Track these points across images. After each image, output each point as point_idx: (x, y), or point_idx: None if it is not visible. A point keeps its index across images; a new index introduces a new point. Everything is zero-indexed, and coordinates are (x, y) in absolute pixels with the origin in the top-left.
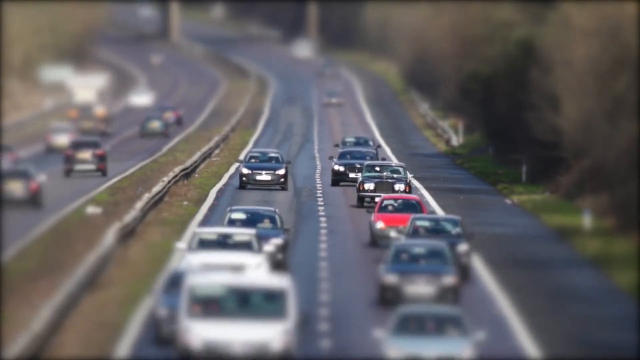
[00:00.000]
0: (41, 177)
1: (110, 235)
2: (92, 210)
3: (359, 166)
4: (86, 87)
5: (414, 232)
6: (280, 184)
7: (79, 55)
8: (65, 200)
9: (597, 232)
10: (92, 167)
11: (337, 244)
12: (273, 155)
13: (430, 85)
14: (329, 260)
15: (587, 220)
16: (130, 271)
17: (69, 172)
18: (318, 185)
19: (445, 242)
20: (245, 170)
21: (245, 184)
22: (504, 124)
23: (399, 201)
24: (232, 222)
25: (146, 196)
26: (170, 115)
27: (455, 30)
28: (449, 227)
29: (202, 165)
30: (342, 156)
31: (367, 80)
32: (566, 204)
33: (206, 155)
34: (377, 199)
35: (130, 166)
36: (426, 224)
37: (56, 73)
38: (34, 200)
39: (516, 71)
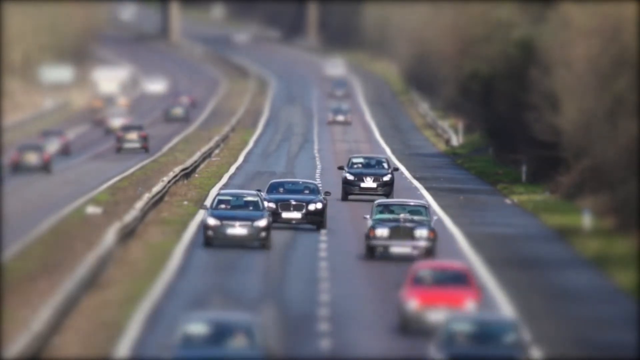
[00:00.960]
0: (52, 149)
1: (110, 235)
2: (92, 210)
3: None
4: (110, 79)
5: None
6: (260, 240)
7: (79, 55)
8: (65, 200)
9: (597, 232)
10: (137, 145)
11: (337, 244)
12: (251, 199)
13: (430, 85)
14: (329, 260)
15: (587, 220)
16: (130, 271)
17: (119, 150)
18: (318, 185)
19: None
20: (211, 221)
21: (211, 239)
22: (504, 124)
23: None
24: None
25: (146, 196)
26: (185, 100)
27: (455, 30)
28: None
29: (202, 165)
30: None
31: (367, 80)
32: (566, 204)
33: (206, 155)
34: (393, 249)
35: (131, 166)
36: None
37: (56, 73)
38: (46, 168)
39: (516, 71)
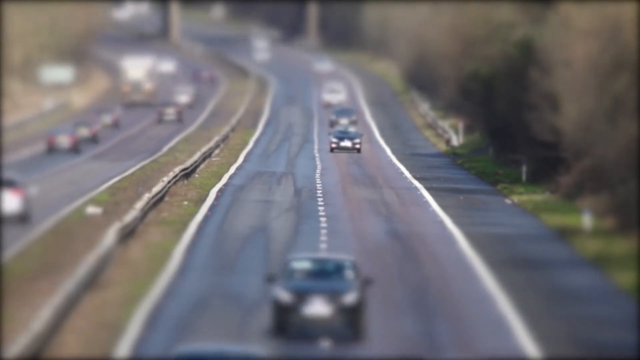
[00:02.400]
0: (97, 127)
1: (110, 235)
2: (92, 210)
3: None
4: (137, 67)
5: None
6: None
7: (79, 55)
8: (65, 200)
9: (597, 232)
10: (174, 118)
11: (337, 244)
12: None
13: (430, 85)
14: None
15: (587, 220)
16: (130, 271)
17: (160, 121)
18: (318, 185)
19: None
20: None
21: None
22: (504, 124)
23: None
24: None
25: (146, 196)
26: (206, 74)
27: (455, 30)
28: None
29: (202, 165)
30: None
31: (367, 80)
32: (566, 204)
33: (206, 155)
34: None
35: (131, 166)
36: None
37: (56, 73)
38: (94, 140)
39: (516, 71)
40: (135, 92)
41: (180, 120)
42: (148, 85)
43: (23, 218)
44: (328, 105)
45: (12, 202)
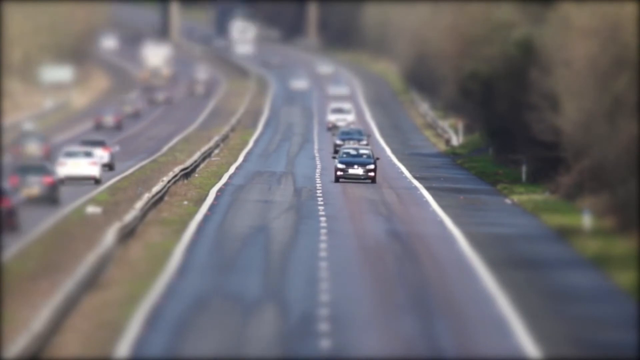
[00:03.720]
0: (140, 106)
1: (110, 235)
2: (92, 210)
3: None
4: (156, 55)
5: None
6: None
7: (79, 55)
8: (65, 200)
9: (597, 232)
10: (202, 92)
11: (337, 244)
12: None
13: (430, 85)
14: (329, 260)
15: (587, 220)
16: (130, 271)
17: (191, 94)
18: (318, 185)
19: None
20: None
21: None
22: (504, 124)
23: None
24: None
25: (146, 196)
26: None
27: (455, 30)
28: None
29: (202, 165)
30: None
31: (367, 80)
32: (566, 204)
33: (206, 155)
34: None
35: (131, 166)
36: None
37: (56, 73)
38: (118, 127)
39: (516, 71)
40: (155, 77)
41: (207, 96)
42: (166, 71)
43: (110, 167)
44: (334, 128)
45: (103, 156)
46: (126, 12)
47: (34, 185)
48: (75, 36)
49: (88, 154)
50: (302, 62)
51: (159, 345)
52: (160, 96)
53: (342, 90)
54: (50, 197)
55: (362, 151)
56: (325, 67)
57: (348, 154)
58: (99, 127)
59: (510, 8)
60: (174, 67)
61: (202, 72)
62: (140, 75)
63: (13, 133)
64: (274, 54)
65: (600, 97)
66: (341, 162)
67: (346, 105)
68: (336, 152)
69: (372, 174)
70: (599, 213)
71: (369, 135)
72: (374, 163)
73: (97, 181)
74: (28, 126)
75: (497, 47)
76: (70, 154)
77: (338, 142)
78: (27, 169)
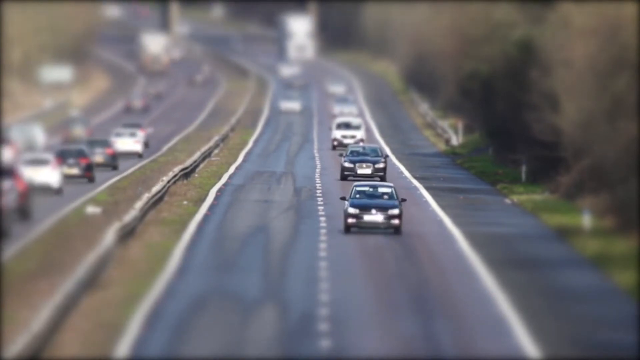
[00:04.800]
0: (162, 89)
1: (110, 235)
2: (92, 210)
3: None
4: (155, 43)
5: None
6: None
7: (79, 55)
8: (65, 200)
9: (597, 232)
10: (203, 79)
11: (337, 243)
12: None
13: (430, 85)
14: (329, 260)
15: (586, 220)
16: (130, 271)
17: (191, 83)
18: (318, 185)
19: None
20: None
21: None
22: (504, 124)
23: None
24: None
25: (146, 196)
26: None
27: (454, 30)
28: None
29: (201, 165)
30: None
31: (367, 80)
32: (566, 204)
33: (206, 155)
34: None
35: (130, 166)
36: None
37: (56, 73)
38: (146, 109)
39: (516, 71)
40: (155, 64)
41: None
42: (165, 58)
43: (146, 145)
44: (340, 146)
45: (140, 135)
46: (124, 11)
47: (100, 155)
48: (75, 36)
49: (133, 134)
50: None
51: (159, 345)
52: (152, 90)
53: (351, 109)
54: (111, 164)
55: (382, 190)
56: (336, 87)
57: (363, 193)
58: (129, 110)
59: (510, 8)
60: (173, 54)
61: (201, 74)
62: (143, 60)
63: (60, 117)
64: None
65: (600, 97)
66: (354, 206)
67: (355, 120)
68: (344, 177)
69: (396, 221)
70: (599, 213)
71: (387, 156)
72: (399, 206)
73: (140, 155)
74: (74, 112)
75: (497, 47)
76: (119, 134)
77: (347, 164)
78: (94, 143)
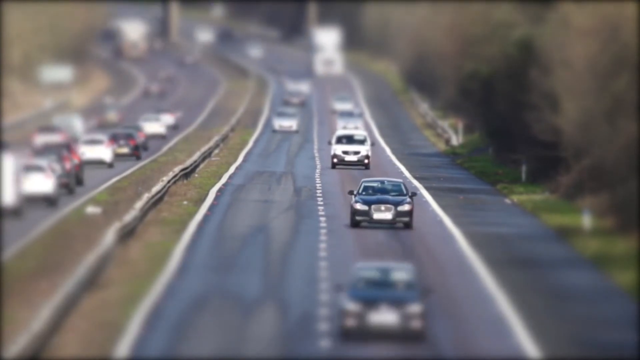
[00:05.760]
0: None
1: (110, 235)
2: (91, 210)
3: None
4: (134, 30)
5: None
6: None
7: (79, 55)
8: (65, 200)
9: (597, 232)
10: (193, 60)
11: (336, 243)
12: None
13: (430, 85)
14: (329, 260)
15: (586, 220)
16: (130, 271)
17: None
18: (318, 185)
19: None
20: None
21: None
22: (503, 124)
23: None
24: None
25: (146, 196)
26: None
27: (455, 30)
28: None
29: (201, 165)
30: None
31: (367, 80)
32: (566, 204)
33: (206, 155)
34: None
35: (130, 166)
36: None
37: (56, 73)
38: (162, 94)
39: (516, 71)
40: (132, 50)
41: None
42: (142, 45)
43: (175, 127)
44: (341, 163)
45: (170, 119)
46: (125, 12)
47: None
48: (75, 36)
49: (157, 119)
50: (304, 62)
51: (159, 345)
52: (163, 74)
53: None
54: (144, 145)
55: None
56: (343, 104)
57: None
58: (147, 94)
59: (510, 8)
60: (150, 42)
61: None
62: (121, 46)
63: (97, 106)
64: (279, 62)
65: (600, 97)
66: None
67: (359, 133)
68: (356, 224)
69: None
70: (599, 213)
71: (415, 194)
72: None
73: (163, 137)
74: (108, 100)
75: (497, 47)
76: (146, 119)
77: (358, 206)
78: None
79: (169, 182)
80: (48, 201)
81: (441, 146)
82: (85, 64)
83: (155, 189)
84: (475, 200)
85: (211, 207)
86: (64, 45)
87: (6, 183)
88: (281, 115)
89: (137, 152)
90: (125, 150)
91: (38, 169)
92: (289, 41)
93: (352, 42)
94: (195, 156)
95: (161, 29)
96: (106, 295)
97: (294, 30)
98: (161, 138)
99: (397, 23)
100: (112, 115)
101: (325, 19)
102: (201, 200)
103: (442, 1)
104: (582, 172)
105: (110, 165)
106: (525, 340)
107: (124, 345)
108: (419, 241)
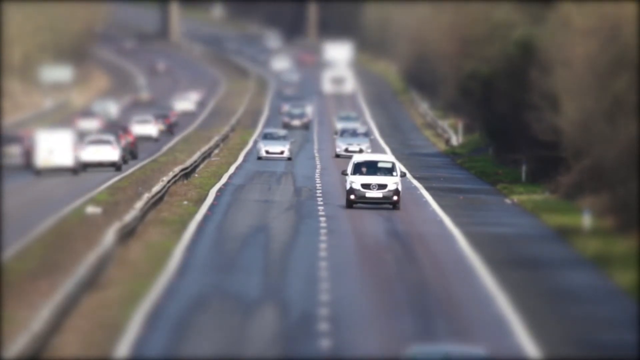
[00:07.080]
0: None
1: (110, 235)
2: (92, 210)
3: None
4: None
5: None
6: None
7: (79, 55)
8: (65, 200)
9: (597, 232)
10: (197, 50)
11: (337, 243)
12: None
13: (430, 85)
14: (329, 260)
15: (587, 220)
16: (130, 271)
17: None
18: (318, 185)
19: None
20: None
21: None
22: (503, 124)
23: None
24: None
25: (146, 196)
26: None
27: (455, 30)
28: None
29: (201, 165)
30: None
31: (367, 80)
32: (566, 204)
33: (206, 155)
34: None
35: (131, 166)
36: None
37: (56, 73)
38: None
39: (516, 71)
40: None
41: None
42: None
43: (202, 103)
44: (361, 201)
45: (195, 96)
46: (124, 11)
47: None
48: (75, 36)
49: (186, 97)
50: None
51: (159, 345)
52: (159, 66)
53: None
54: (170, 129)
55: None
56: (347, 123)
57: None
58: (153, 73)
59: (510, 8)
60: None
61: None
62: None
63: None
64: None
65: (600, 97)
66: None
67: (385, 159)
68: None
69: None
70: (599, 213)
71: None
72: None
73: (193, 113)
74: (141, 81)
75: (497, 47)
76: (177, 98)
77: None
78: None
79: (169, 182)
80: (114, 166)
81: (441, 146)
82: (85, 64)
83: (156, 189)
84: (476, 200)
85: (211, 207)
86: (64, 45)
87: (66, 150)
88: (268, 138)
89: (171, 129)
90: (162, 128)
91: (107, 142)
92: (289, 41)
93: (352, 42)
94: (196, 156)
95: (161, 29)
96: (106, 295)
97: (294, 30)
98: (191, 115)
99: (397, 23)
100: (144, 95)
101: (325, 19)
102: (201, 200)
103: (442, 1)
104: (582, 172)
105: (156, 140)
106: (525, 340)
107: (124, 345)
108: (419, 241)
